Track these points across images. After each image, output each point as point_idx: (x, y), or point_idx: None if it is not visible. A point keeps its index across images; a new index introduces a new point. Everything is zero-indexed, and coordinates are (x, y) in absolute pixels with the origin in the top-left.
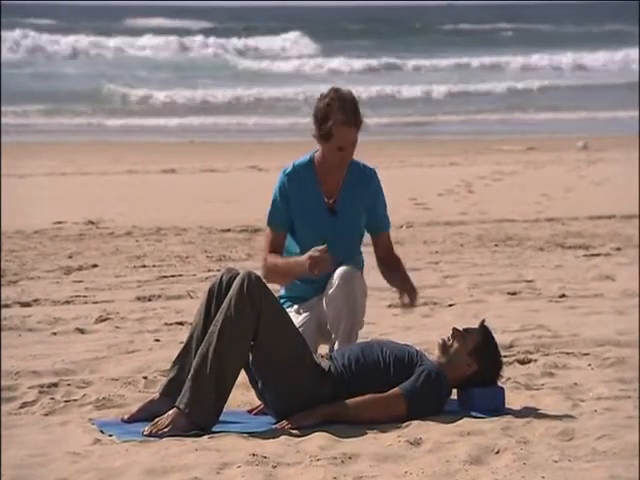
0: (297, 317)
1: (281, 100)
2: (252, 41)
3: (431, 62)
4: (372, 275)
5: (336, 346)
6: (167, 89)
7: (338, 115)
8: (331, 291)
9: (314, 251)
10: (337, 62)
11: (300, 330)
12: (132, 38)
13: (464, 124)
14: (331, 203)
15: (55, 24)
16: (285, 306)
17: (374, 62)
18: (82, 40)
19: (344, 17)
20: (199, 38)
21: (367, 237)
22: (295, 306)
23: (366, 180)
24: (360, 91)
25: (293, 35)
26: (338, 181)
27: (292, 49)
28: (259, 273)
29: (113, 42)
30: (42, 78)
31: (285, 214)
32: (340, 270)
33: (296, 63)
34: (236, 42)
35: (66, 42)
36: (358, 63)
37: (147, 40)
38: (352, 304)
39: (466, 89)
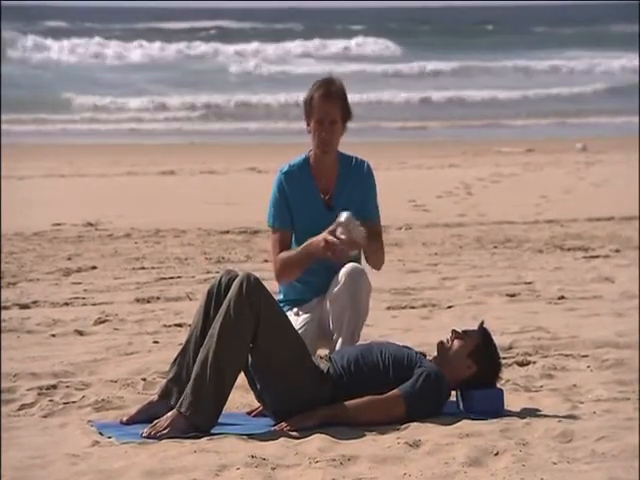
0: (296, 319)
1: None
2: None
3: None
4: (371, 276)
5: (338, 344)
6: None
7: (319, 90)
8: (336, 288)
9: (330, 234)
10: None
11: (300, 332)
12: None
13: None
14: (327, 199)
15: (63, 26)
16: (284, 309)
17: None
18: (92, 44)
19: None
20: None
21: None
22: (294, 309)
23: (358, 173)
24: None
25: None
26: (332, 176)
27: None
28: (258, 275)
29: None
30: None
31: (287, 212)
32: (347, 268)
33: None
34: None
35: (70, 46)
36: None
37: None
38: (357, 302)
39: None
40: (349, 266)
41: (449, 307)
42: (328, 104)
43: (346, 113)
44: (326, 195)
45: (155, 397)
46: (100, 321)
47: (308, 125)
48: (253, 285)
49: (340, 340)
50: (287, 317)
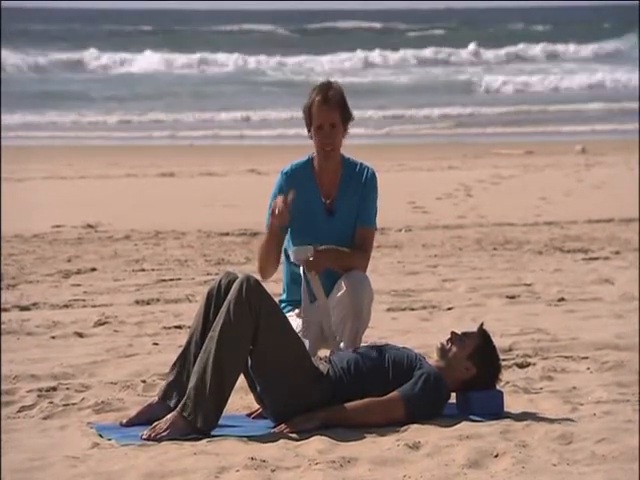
0: (298, 320)
1: None
2: None
3: None
4: (371, 278)
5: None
6: None
7: (318, 96)
8: (339, 294)
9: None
10: None
11: (301, 334)
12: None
13: None
14: (328, 203)
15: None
16: (286, 310)
17: None
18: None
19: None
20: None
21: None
22: (297, 310)
23: (361, 178)
24: None
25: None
26: (335, 181)
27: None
28: (258, 277)
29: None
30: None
31: None
32: (349, 274)
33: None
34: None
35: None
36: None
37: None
38: (358, 311)
39: None
40: (352, 273)
41: (449, 309)
42: (327, 109)
43: (346, 116)
44: (327, 199)
45: (155, 399)
46: (100, 323)
47: (309, 132)
48: (253, 287)
49: (341, 346)
50: (287, 319)
